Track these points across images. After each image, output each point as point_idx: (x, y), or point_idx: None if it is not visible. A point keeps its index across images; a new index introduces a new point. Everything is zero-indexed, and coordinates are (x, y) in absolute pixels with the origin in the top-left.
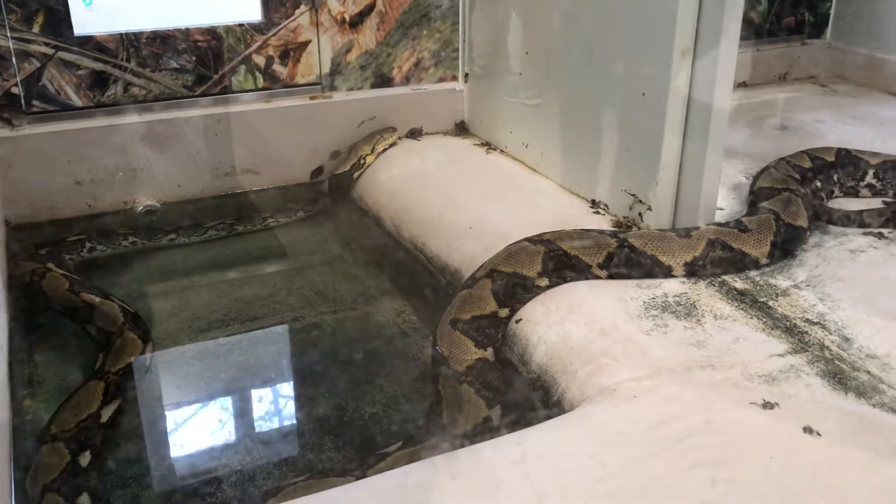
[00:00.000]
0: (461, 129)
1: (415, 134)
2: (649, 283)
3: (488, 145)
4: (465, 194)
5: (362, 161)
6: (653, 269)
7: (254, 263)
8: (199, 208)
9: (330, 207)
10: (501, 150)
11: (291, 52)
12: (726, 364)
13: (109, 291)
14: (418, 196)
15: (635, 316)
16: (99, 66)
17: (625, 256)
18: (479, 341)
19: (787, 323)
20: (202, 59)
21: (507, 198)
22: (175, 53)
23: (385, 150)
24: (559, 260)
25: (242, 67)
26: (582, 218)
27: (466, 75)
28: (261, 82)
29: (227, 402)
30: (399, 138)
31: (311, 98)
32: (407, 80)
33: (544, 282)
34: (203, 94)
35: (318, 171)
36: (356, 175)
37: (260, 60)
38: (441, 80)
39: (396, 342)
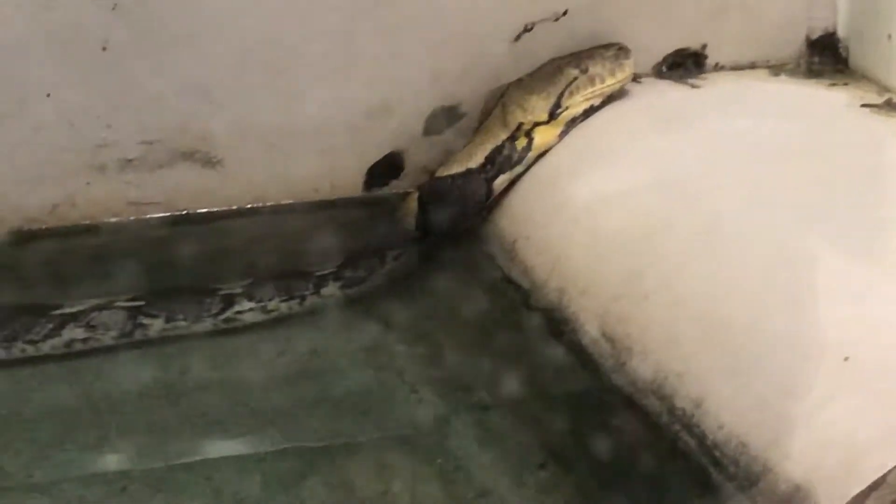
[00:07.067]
0: (825, 58)
1: (681, 67)
2: None
3: None
4: (837, 252)
5: (522, 139)
6: None
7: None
8: None
9: (419, 275)
10: None
11: None
12: None
13: None
14: (684, 258)
15: None
16: None
17: None
18: None
19: None
20: None
21: None
22: None
23: (594, 108)
24: None
25: None
26: None
27: None
28: None
29: None
30: (635, 78)
31: None
32: None
33: None
34: None
35: (384, 165)
36: (499, 180)
37: None
38: None
39: None
